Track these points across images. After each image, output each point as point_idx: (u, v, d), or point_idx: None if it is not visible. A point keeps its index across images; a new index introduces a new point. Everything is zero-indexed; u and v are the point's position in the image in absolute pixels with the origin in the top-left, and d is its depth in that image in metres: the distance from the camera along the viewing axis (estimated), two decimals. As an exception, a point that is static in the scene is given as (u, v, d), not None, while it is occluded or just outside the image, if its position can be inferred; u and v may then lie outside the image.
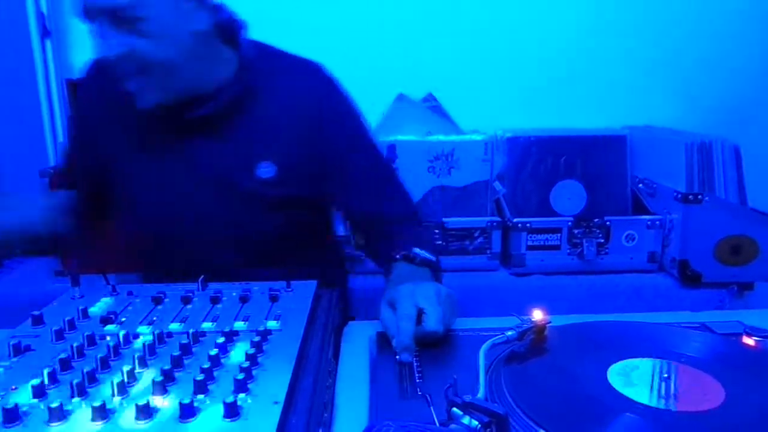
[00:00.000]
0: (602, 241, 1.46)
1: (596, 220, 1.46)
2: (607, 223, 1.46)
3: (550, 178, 1.56)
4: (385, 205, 1.02)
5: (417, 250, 0.93)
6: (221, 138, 0.95)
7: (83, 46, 1.65)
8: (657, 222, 1.45)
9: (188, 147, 0.95)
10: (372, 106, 1.58)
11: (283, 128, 0.95)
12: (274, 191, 0.95)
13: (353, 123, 1.02)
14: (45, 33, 1.61)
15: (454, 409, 0.51)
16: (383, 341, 0.74)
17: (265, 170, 0.94)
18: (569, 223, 1.46)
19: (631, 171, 1.57)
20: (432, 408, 0.55)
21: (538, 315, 0.71)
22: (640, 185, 1.55)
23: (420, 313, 0.72)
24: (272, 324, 0.70)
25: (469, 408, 0.50)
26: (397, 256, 0.92)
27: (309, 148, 0.96)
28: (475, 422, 0.49)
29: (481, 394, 0.55)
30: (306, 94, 0.97)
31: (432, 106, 1.58)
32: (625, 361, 0.63)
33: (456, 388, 0.53)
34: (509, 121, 1.63)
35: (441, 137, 1.49)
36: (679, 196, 1.38)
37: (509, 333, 0.68)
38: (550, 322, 0.70)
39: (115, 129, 0.99)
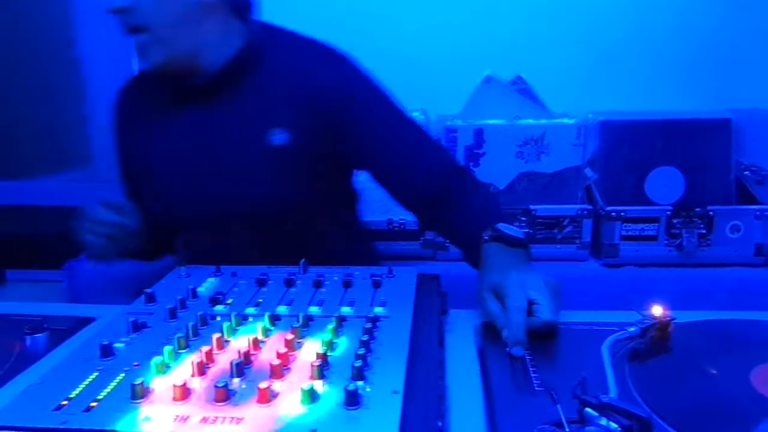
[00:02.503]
0: (704, 231, 1.36)
1: (698, 209, 1.36)
2: (710, 212, 1.36)
3: (646, 164, 1.47)
4: (422, 161, 0.96)
5: (502, 226, 0.85)
6: (231, 108, 0.93)
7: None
8: (767, 212, 1.34)
9: (199, 118, 0.94)
10: (458, 89, 1.54)
11: (294, 98, 0.93)
12: (288, 159, 0.93)
13: (372, 96, 0.97)
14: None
15: (588, 409, 0.48)
16: (489, 332, 0.72)
17: (278, 137, 0.92)
18: (668, 213, 1.37)
19: (736, 157, 1.46)
20: (558, 406, 0.52)
21: (658, 310, 0.67)
22: (747, 172, 1.43)
23: (530, 303, 0.69)
24: (379, 310, 0.69)
25: (606, 409, 0.46)
26: (486, 237, 0.84)
27: (322, 119, 0.93)
28: (613, 425, 0.46)
29: (613, 393, 0.52)
30: (318, 71, 0.94)
31: (521, 88, 1.52)
32: None
33: (585, 386, 0.50)
34: (602, 104, 1.54)
35: (530, 121, 1.43)
36: (795, 184, 1.27)
37: (631, 329, 0.64)
38: (674, 319, 0.66)
39: (145, 134, 1.00)
